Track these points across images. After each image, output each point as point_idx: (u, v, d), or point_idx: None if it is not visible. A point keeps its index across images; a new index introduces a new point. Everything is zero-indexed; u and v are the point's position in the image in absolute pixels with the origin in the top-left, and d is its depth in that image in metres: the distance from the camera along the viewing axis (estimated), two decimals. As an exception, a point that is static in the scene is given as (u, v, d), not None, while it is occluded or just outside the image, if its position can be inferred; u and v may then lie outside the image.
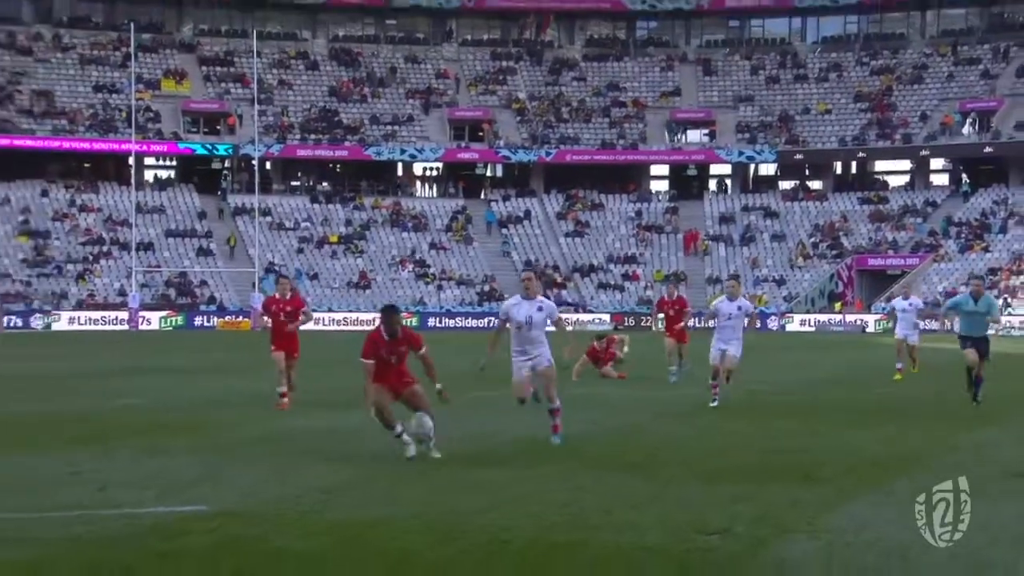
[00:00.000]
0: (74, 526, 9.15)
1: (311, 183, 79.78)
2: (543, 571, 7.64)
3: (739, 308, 18.14)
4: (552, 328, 13.93)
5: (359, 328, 59.49)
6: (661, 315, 25.43)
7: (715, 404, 17.96)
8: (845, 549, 8.26)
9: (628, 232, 76.39)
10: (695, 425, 16.32)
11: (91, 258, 70.08)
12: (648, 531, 8.82)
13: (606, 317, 66.02)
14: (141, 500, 10.27)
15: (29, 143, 73.50)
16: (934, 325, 58.16)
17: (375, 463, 12.34)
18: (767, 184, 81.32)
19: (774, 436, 14.79)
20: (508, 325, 13.70)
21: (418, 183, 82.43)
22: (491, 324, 67.27)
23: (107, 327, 62.60)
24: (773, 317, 64.76)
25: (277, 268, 67.14)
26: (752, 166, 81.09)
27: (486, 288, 71.10)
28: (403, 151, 78.62)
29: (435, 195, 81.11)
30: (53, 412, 18.10)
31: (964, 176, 77.10)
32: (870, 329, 62.52)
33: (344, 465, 12.32)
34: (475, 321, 66.20)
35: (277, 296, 18.82)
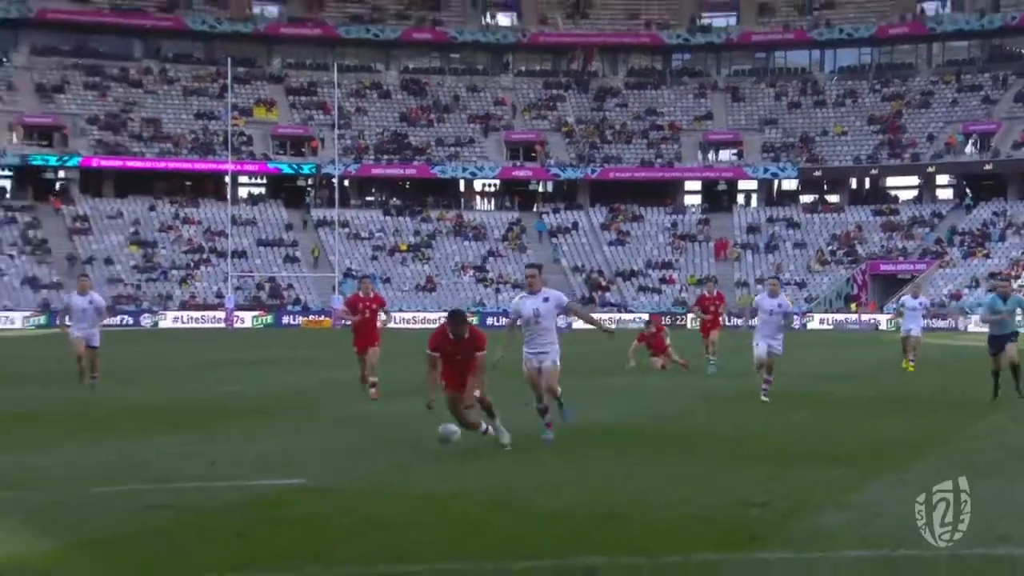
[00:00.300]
0: (191, 496, 9.25)
1: (384, 198, 80.00)
2: (604, 537, 7.62)
3: (779, 305, 17.32)
4: (572, 320, 12.97)
5: (426, 326, 59.66)
6: (698, 309, 25.41)
7: (766, 399, 16.91)
8: (875, 519, 8.19)
9: (665, 241, 76.07)
10: (731, 413, 16.23)
11: (192, 264, 70.68)
12: (696, 505, 8.78)
13: (645, 316, 65.70)
14: (247, 474, 10.35)
15: (139, 164, 74.24)
16: (942, 324, 57.95)
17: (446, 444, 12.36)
18: (789, 198, 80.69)
19: (801, 423, 14.68)
20: (519, 323, 12.50)
21: (478, 198, 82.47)
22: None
23: (206, 325, 63.05)
24: (795, 317, 64.21)
25: (355, 273, 67.30)
26: (776, 182, 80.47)
27: (539, 291, 71.13)
28: (465, 169, 78.72)
29: (493, 208, 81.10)
30: (164, 399, 18.25)
31: (967, 190, 76.18)
32: (882, 327, 61.79)
33: (417, 446, 12.30)
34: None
35: (360, 295, 18.62)
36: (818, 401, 17.91)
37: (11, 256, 67.80)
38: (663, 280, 72.31)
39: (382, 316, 18.54)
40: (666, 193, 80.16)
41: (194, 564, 6.95)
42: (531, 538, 7.63)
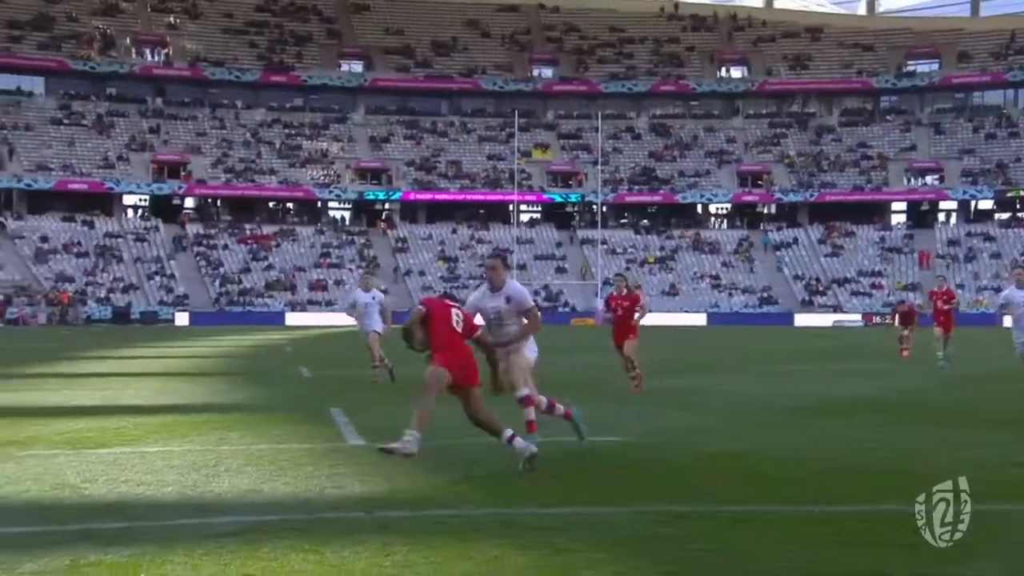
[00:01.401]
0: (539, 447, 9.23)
1: (635, 220, 79.72)
2: (893, 487, 7.21)
3: None
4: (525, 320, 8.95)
5: (670, 323, 58.90)
6: (928, 304, 22.88)
7: None
8: None
9: (874, 253, 72.68)
10: (974, 389, 15.28)
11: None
12: (967, 463, 8.21)
13: (858, 316, 63.06)
14: (570, 432, 10.30)
15: (445, 197, 76.73)
16: None
17: (728, 410, 12.05)
18: (986, 216, 75.61)
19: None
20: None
21: (713, 219, 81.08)
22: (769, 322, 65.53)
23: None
24: (995, 316, 59.95)
25: (611, 281, 67.33)
26: (973, 202, 75.59)
27: (764, 295, 69.24)
28: (702, 196, 77.58)
29: (726, 227, 79.56)
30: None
31: None
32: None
33: (703, 412, 12.08)
34: (755, 321, 64.61)
35: (615, 293, 15.98)
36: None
37: (350, 269, 71.34)
38: (873, 286, 69.10)
39: (638, 311, 15.76)
40: (875, 212, 76.60)
41: (546, 499, 6.95)
42: (826, 488, 7.28)
